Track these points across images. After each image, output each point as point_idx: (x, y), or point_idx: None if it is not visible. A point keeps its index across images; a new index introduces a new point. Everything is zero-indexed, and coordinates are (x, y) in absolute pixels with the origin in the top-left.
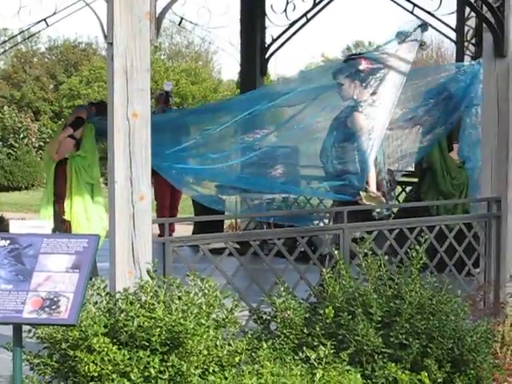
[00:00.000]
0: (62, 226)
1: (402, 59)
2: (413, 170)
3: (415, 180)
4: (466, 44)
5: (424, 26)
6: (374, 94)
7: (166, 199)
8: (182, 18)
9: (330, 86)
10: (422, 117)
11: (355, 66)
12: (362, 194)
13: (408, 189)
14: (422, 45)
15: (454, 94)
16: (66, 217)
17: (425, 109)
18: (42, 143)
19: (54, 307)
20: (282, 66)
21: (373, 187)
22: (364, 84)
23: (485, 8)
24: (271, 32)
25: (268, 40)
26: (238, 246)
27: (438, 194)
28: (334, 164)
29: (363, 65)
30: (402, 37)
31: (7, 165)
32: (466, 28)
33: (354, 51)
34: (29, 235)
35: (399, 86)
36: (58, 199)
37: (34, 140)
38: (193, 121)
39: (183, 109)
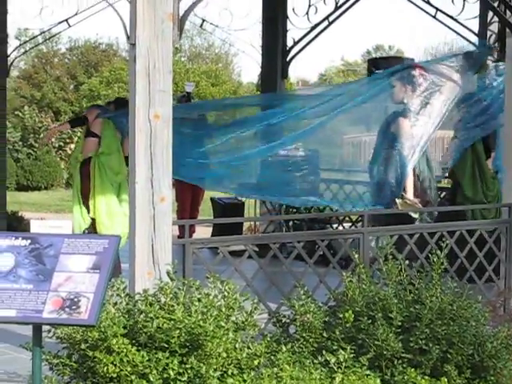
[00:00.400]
0: (91, 224)
1: (461, 77)
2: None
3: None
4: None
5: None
6: (426, 104)
7: (186, 202)
8: (203, 20)
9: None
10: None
11: (409, 71)
12: (398, 201)
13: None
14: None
15: (484, 96)
16: (91, 215)
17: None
18: (61, 143)
19: (74, 307)
20: (302, 68)
21: (410, 194)
22: (415, 90)
23: (508, 13)
24: (293, 35)
25: (289, 43)
26: (256, 249)
27: (469, 203)
28: (377, 170)
29: (417, 72)
30: (468, 57)
31: (27, 164)
32: (489, 33)
33: (374, 55)
34: (49, 235)
35: (451, 101)
36: (84, 199)
37: (53, 140)
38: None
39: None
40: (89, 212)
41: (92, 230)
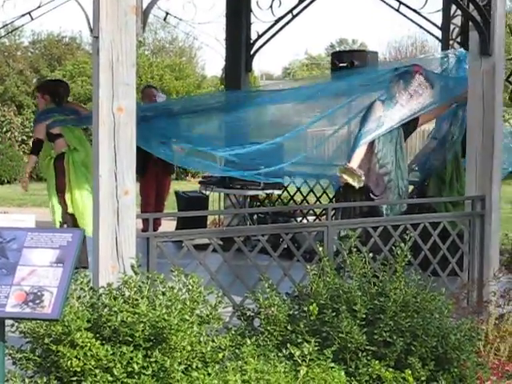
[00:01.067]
0: (69, 219)
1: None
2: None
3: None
4: (451, 42)
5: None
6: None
7: (150, 196)
8: (167, 13)
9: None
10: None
11: (410, 70)
12: (340, 168)
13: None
14: None
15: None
16: (69, 210)
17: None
18: (24, 137)
19: (37, 302)
20: (266, 62)
21: (353, 163)
22: (406, 87)
23: (471, 6)
24: (257, 28)
25: (253, 36)
26: (221, 243)
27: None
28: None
29: (416, 71)
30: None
31: None
32: (452, 26)
33: (337, 49)
34: (12, 229)
35: (424, 107)
36: (60, 193)
37: (16, 134)
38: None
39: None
40: (66, 207)
41: (72, 224)
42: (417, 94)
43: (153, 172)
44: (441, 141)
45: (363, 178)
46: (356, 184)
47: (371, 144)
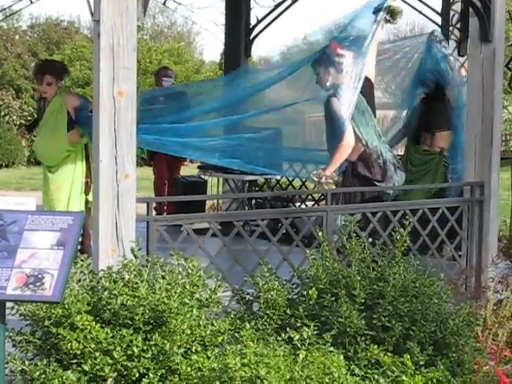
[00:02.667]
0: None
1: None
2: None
3: None
4: (451, 29)
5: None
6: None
7: (164, 174)
8: None
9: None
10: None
11: (328, 53)
12: (313, 180)
13: None
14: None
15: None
16: (90, 197)
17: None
18: (23, 121)
19: (38, 284)
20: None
21: (330, 170)
22: (338, 69)
23: None
24: (256, 13)
25: (253, 21)
26: (219, 227)
27: None
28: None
29: (335, 50)
30: (378, 13)
31: None
32: (452, 12)
33: (335, 34)
34: (13, 212)
35: (365, 63)
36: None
37: (15, 118)
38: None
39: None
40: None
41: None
42: (349, 66)
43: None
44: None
45: (335, 178)
46: (329, 186)
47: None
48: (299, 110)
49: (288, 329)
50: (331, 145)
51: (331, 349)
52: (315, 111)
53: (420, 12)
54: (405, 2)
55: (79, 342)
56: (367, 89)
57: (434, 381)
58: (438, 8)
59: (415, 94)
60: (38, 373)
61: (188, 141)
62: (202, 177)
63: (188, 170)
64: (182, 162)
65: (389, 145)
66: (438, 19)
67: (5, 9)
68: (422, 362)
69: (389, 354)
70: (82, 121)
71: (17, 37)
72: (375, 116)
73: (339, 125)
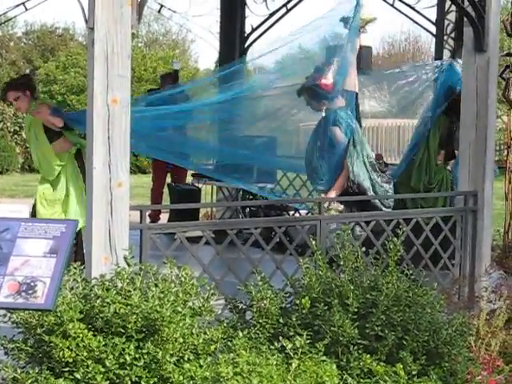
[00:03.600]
0: None
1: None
2: None
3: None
4: (445, 38)
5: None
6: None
7: (159, 185)
8: (161, 6)
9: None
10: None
11: (319, 91)
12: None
13: None
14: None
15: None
16: None
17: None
18: (17, 128)
19: (30, 292)
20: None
21: (333, 193)
22: (330, 98)
23: (466, 2)
24: (251, 22)
25: (247, 29)
26: (213, 235)
27: (410, 190)
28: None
29: (325, 87)
30: (347, 24)
31: None
32: (446, 22)
33: (331, 43)
34: (6, 219)
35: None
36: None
37: (9, 125)
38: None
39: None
40: None
41: None
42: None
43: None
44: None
45: (340, 208)
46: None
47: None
48: (293, 119)
49: (281, 338)
50: (328, 169)
51: (324, 358)
52: (309, 120)
53: (415, 21)
54: (400, 12)
55: (71, 350)
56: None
57: None
58: (433, 17)
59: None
60: (29, 381)
61: (183, 150)
62: (196, 185)
63: None
64: (187, 171)
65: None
66: (433, 28)
67: (0, 15)
68: (414, 372)
69: (381, 363)
70: (72, 118)
71: (11, 43)
72: (361, 126)
73: (341, 153)
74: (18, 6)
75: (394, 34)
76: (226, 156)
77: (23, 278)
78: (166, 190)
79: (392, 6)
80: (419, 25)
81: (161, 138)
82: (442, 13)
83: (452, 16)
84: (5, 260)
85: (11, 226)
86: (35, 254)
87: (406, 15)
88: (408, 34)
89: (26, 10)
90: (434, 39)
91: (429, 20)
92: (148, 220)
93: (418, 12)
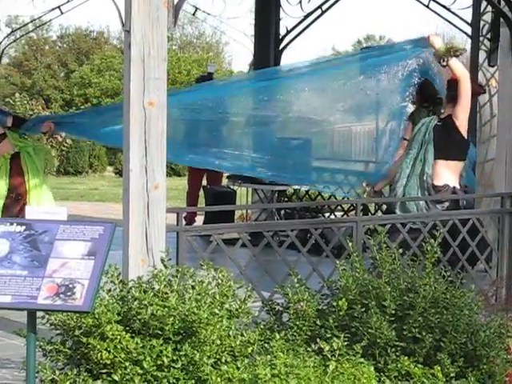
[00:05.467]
0: None
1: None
2: None
3: None
4: (481, 39)
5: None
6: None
7: (195, 187)
8: (196, 8)
9: (349, 79)
10: None
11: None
12: (363, 188)
13: None
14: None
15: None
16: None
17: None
18: None
19: (69, 294)
20: (293, 58)
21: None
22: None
23: (502, 2)
24: (286, 23)
25: (282, 31)
26: (248, 238)
27: None
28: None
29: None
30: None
31: None
32: (482, 23)
33: (364, 45)
34: (45, 221)
35: None
36: (17, 195)
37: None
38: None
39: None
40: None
41: None
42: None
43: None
44: None
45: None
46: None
47: None
48: (328, 120)
49: (318, 340)
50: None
51: (361, 360)
52: (344, 121)
53: (450, 22)
54: (435, 13)
55: (109, 352)
56: None
57: None
58: (469, 18)
59: None
60: (68, 382)
61: (218, 152)
62: (231, 187)
63: None
64: (222, 173)
65: None
66: (468, 30)
67: (35, 19)
68: (452, 374)
69: (419, 365)
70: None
71: (47, 47)
72: None
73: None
74: (53, 9)
75: (426, 35)
76: (261, 157)
77: (62, 280)
78: (201, 193)
79: (427, 7)
80: (454, 26)
81: (195, 143)
82: (477, 14)
83: (488, 17)
84: (43, 262)
85: (49, 228)
86: (73, 256)
87: (441, 16)
88: (442, 35)
89: (62, 13)
90: (469, 40)
91: (464, 21)
92: (183, 222)
93: (453, 13)
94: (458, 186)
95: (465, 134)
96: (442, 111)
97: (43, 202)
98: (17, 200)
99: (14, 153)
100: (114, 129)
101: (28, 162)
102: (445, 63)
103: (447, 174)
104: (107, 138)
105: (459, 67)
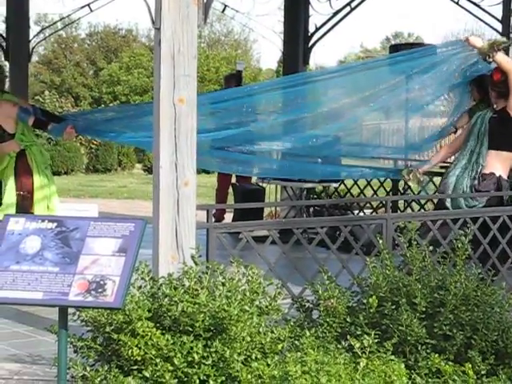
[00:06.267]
0: None
1: None
2: None
3: None
4: (511, 36)
5: None
6: None
7: (225, 182)
8: (225, 6)
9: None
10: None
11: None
12: (404, 171)
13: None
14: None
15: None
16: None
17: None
18: None
19: (100, 290)
20: (321, 55)
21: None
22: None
23: None
24: (315, 21)
25: (311, 29)
26: (278, 235)
27: None
28: None
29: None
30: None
31: (47, 149)
32: None
33: (392, 42)
34: (76, 218)
35: None
36: (27, 192)
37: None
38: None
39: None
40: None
41: None
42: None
43: None
44: None
45: (424, 182)
46: (415, 185)
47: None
48: (357, 116)
49: (348, 337)
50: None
51: (392, 357)
52: (372, 119)
53: (480, 19)
54: (464, 9)
55: (140, 349)
56: None
57: None
58: (499, 15)
59: None
60: (99, 379)
61: (248, 157)
62: (260, 184)
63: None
64: None
65: None
66: (498, 26)
67: (64, 17)
68: (483, 372)
69: (450, 363)
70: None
71: (75, 45)
72: None
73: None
74: (82, 7)
75: (457, 32)
76: (289, 154)
77: (93, 276)
78: (230, 190)
79: (457, 3)
80: (484, 22)
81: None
82: (507, 10)
83: None
84: (75, 259)
85: (80, 225)
86: (104, 253)
87: (470, 12)
88: (472, 31)
89: (91, 11)
90: (498, 37)
91: (494, 17)
92: (213, 219)
93: (483, 9)
94: (504, 176)
95: None
96: (495, 106)
97: (50, 199)
98: (26, 197)
99: (20, 150)
100: (136, 136)
101: (34, 159)
102: (491, 59)
103: (496, 163)
104: (129, 142)
105: (507, 60)
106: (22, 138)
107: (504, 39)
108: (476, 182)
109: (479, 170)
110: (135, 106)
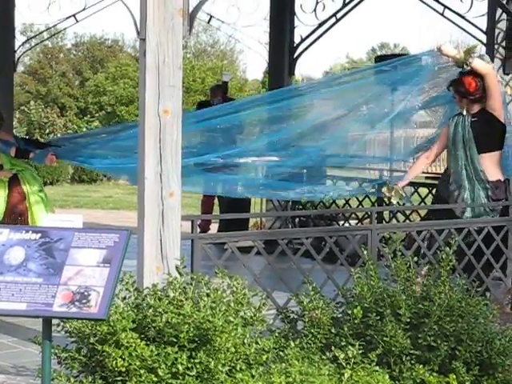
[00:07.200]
0: None
1: None
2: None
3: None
4: (496, 47)
5: None
6: None
7: (210, 196)
8: (211, 16)
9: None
10: None
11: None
12: (384, 188)
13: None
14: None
15: None
16: None
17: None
18: None
19: (84, 301)
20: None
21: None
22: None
23: None
24: (300, 31)
25: (297, 39)
26: (263, 245)
27: None
28: None
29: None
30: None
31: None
32: (497, 31)
33: (378, 53)
34: (60, 229)
35: None
36: (18, 215)
37: (59, 135)
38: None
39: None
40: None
41: None
42: None
43: None
44: None
45: (405, 197)
46: (397, 201)
47: None
48: (342, 128)
49: (333, 348)
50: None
51: (376, 368)
52: (359, 129)
53: (465, 30)
54: (449, 20)
55: (124, 360)
56: None
57: None
58: (483, 26)
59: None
60: None
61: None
62: (246, 195)
63: None
64: None
65: None
66: (483, 37)
67: (50, 27)
68: (467, 383)
69: (434, 373)
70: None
71: (61, 55)
72: None
73: None
74: (68, 18)
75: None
76: (275, 166)
77: (77, 287)
78: (215, 201)
79: (442, 15)
80: (469, 33)
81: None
82: (492, 21)
83: (503, 25)
84: (59, 270)
85: (65, 235)
86: (89, 264)
87: (455, 24)
88: (457, 43)
89: (77, 21)
90: (483, 48)
91: (479, 29)
92: (198, 230)
93: (468, 21)
94: (502, 179)
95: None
96: (471, 110)
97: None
98: (15, 219)
99: (13, 175)
100: (115, 162)
101: (27, 182)
102: (468, 67)
103: (493, 167)
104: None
105: (483, 64)
106: (12, 167)
107: (477, 43)
108: (490, 192)
109: (485, 179)
110: (119, 128)
